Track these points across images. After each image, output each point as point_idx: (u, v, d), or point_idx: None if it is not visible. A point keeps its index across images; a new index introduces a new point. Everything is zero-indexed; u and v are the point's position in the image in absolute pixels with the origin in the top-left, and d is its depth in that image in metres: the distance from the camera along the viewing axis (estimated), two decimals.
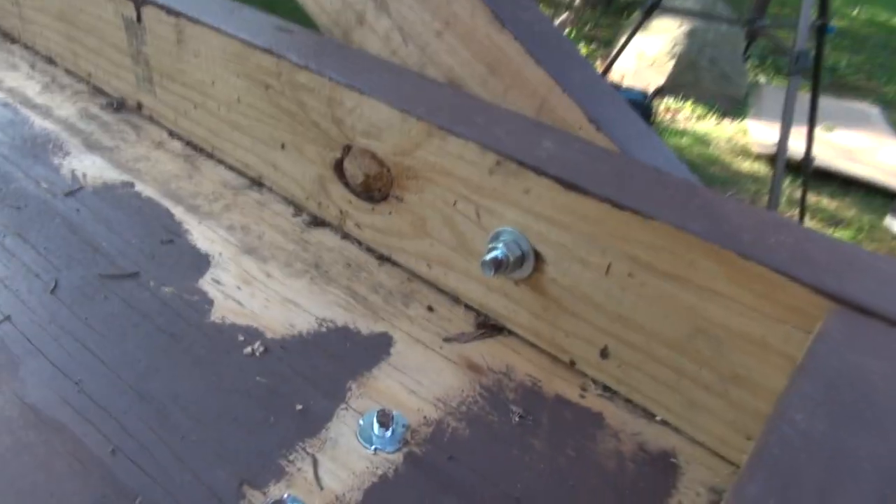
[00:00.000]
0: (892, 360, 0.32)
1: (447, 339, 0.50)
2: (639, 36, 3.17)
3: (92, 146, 0.69)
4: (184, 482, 0.38)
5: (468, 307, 0.52)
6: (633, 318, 0.43)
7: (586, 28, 5.01)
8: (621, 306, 0.44)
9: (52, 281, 0.52)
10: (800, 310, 0.36)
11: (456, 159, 0.48)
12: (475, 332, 0.50)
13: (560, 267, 0.45)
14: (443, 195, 0.50)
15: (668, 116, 3.80)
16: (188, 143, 0.71)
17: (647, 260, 0.41)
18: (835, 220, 2.92)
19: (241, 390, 0.44)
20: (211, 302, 0.51)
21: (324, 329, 0.50)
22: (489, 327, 0.51)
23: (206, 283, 0.53)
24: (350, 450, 0.40)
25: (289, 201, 0.63)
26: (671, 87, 3.96)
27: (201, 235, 0.58)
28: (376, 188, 0.55)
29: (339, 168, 0.57)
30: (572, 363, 0.48)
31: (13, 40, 0.91)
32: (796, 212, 2.68)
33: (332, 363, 0.47)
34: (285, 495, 0.37)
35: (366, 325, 0.50)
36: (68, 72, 0.83)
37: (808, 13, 2.13)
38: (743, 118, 3.80)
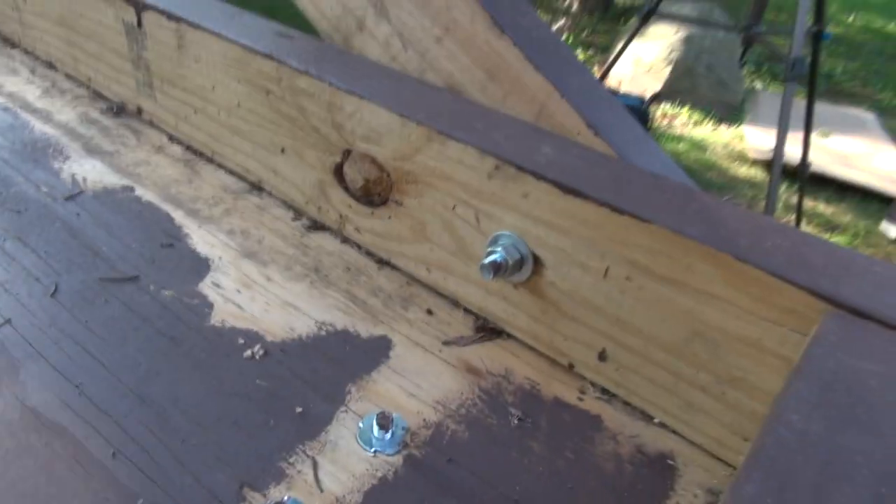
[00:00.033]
0: (887, 362, 0.32)
1: (446, 343, 0.50)
2: (636, 42, 3.19)
3: (92, 151, 0.70)
4: (184, 485, 0.38)
5: (467, 311, 0.53)
6: (631, 321, 0.44)
7: (583, 34, 5.04)
8: (619, 310, 0.44)
9: (52, 285, 0.52)
10: (796, 312, 0.37)
11: (455, 164, 0.48)
12: (474, 335, 0.51)
13: (558, 271, 0.46)
14: (442, 199, 0.50)
15: (665, 122, 3.82)
16: (188, 148, 0.71)
17: (646, 264, 0.42)
18: (831, 226, 2.93)
19: (242, 393, 0.44)
20: (211, 305, 0.51)
21: (323, 332, 0.50)
22: (488, 331, 0.51)
23: (206, 287, 0.53)
24: (350, 452, 0.41)
25: (289, 206, 0.63)
26: (668, 92, 3.98)
27: (201, 239, 0.58)
28: (376, 192, 0.55)
29: (338, 173, 0.57)
30: (571, 366, 0.48)
31: (13, 45, 0.91)
32: (793, 217, 2.69)
33: (332, 366, 0.47)
34: (286, 497, 0.37)
35: (365, 329, 0.50)
36: (68, 76, 0.84)
37: (804, 20, 2.14)
38: (739, 124, 3.82)
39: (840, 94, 4.47)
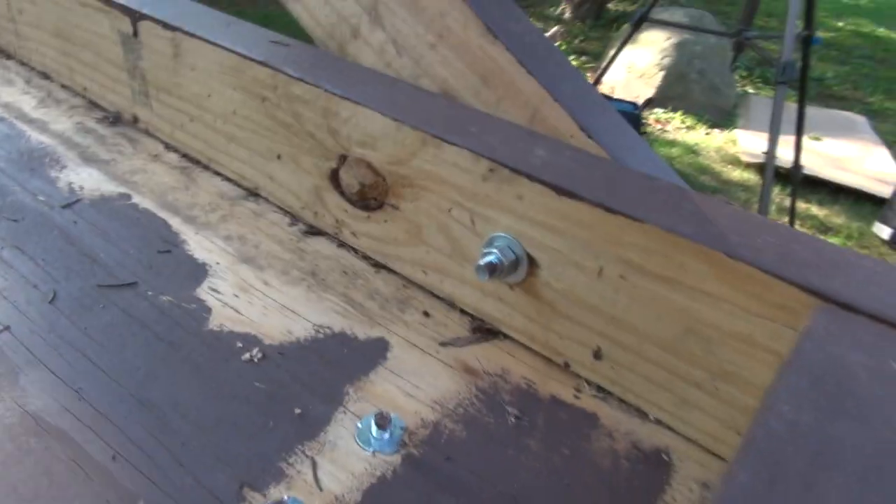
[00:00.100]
0: (874, 354, 0.33)
1: (443, 344, 0.50)
2: (628, 48, 3.21)
3: (88, 159, 0.70)
4: (185, 486, 0.38)
5: (464, 312, 0.53)
6: (626, 319, 0.44)
7: (576, 41, 5.07)
8: (614, 308, 0.45)
9: (50, 292, 0.52)
10: (787, 307, 0.37)
11: (450, 167, 0.49)
12: (471, 336, 0.51)
13: (553, 271, 0.46)
14: (438, 203, 0.51)
15: (659, 127, 3.84)
16: (184, 156, 0.71)
17: (639, 262, 0.42)
18: (824, 228, 2.95)
19: (240, 396, 0.45)
20: (209, 310, 0.52)
21: (321, 335, 0.50)
22: (484, 331, 0.52)
23: (203, 292, 0.53)
24: (349, 452, 0.41)
25: (285, 211, 0.64)
26: (661, 98, 4.00)
27: (198, 245, 0.59)
28: (372, 197, 0.56)
29: (334, 178, 0.58)
30: (566, 365, 0.48)
31: (8, 56, 0.92)
32: (786, 220, 2.71)
33: (330, 368, 0.47)
34: (285, 497, 0.37)
35: (363, 331, 0.51)
36: (64, 87, 0.84)
37: (794, 24, 2.17)
38: (732, 128, 3.84)
39: (831, 98, 4.50)
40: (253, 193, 0.66)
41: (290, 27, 0.70)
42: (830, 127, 3.78)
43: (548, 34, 4.79)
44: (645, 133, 3.65)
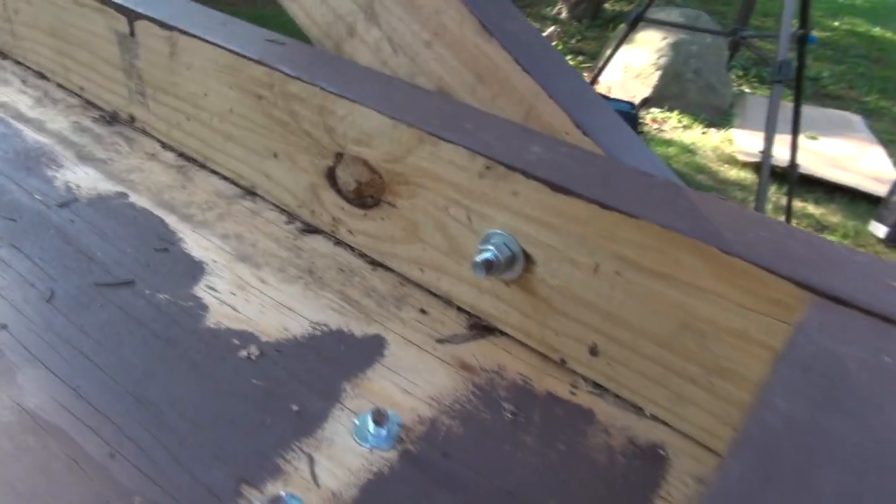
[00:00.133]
0: (867, 347, 0.33)
1: (440, 341, 0.50)
2: (625, 48, 3.22)
3: (85, 158, 0.70)
4: (182, 482, 0.38)
5: (460, 309, 0.53)
6: (621, 315, 0.44)
7: (573, 41, 5.08)
8: (609, 305, 0.45)
9: (47, 290, 0.52)
10: (781, 302, 0.37)
11: (446, 164, 0.49)
12: (467, 333, 0.51)
13: (549, 267, 0.47)
14: (434, 200, 0.51)
15: (655, 127, 3.85)
16: (181, 155, 0.72)
17: (634, 258, 0.43)
18: (820, 226, 2.96)
19: (238, 393, 0.45)
20: (206, 308, 0.52)
21: (318, 332, 0.50)
22: (481, 328, 0.52)
23: (200, 290, 0.53)
24: (346, 448, 0.41)
25: (282, 209, 0.64)
26: (657, 98, 4.01)
27: (195, 244, 0.59)
28: (368, 195, 0.56)
29: (331, 176, 0.58)
30: (563, 361, 0.49)
31: (4, 56, 0.92)
32: (782, 218, 2.71)
33: (327, 365, 0.47)
34: (283, 493, 0.37)
35: (359, 328, 0.51)
36: (60, 86, 0.84)
37: (790, 22, 2.17)
38: (728, 128, 3.85)
39: (827, 98, 4.52)
40: (249, 192, 0.66)
41: (286, 27, 0.70)
42: (826, 126, 3.79)
43: (544, 34, 4.80)
44: (642, 132, 3.65)
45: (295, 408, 0.44)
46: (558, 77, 0.59)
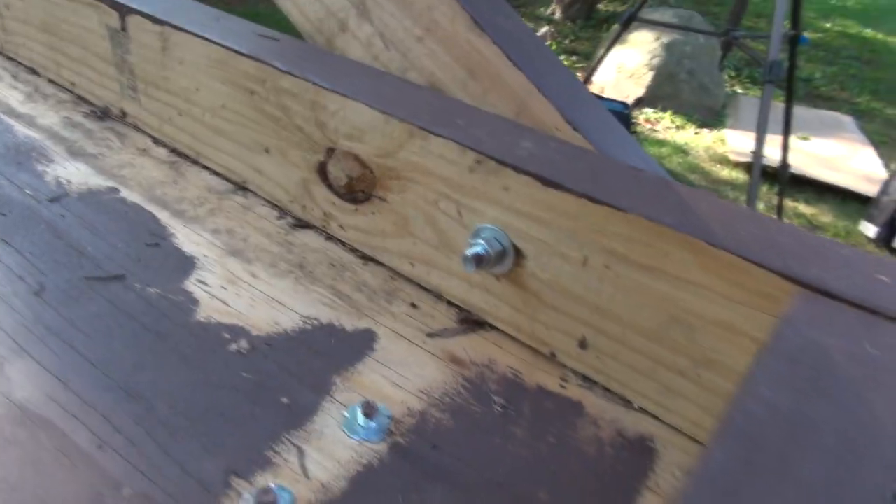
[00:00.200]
0: (851, 338, 0.33)
1: (430, 335, 0.51)
2: (619, 48, 3.23)
3: (76, 153, 0.70)
4: (171, 473, 0.38)
5: (451, 304, 0.54)
6: (611, 309, 0.45)
7: (566, 41, 5.09)
8: (599, 298, 0.45)
9: (37, 284, 0.52)
10: (768, 295, 0.38)
11: (437, 159, 0.49)
12: (458, 327, 0.52)
13: (539, 261, 0.47)
14: (425, 194, 0.51)
15: (648, 127, 3.86)
16: (173, 150, 0.71)
17: (623, 252, 0.43)
18: (811, 226, 2.98)
19: (228, 386, 0.45)
20: (196, 302, 0.52)
21: (309, 326, 0.50)
22: (471, 322, 0.52)
23: (191, 284, 0.53)
24: (335, 441, 0.41)
25: (273, 205, 0.64)
26: (650, 98, 4.02)
27: (186, 239, 0.59)
28: (359, 189, 0.56)
29: (322, 171, 0.58)
30: (552, 355, 0.49)
31: None
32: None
33: (318, 359, 0.47)
34: (272, 484, 0.37)
35: (350, 323, 0.51)
36: (51, 82, 0.84)
37: (781, 22, 2.19)
38: (721, 128, 3.87)
39: (819, 98, 4.54)
40: (241, 187, 0.66)
41: (280, 24, 0.70)
42: (818, 127, 3.81)
43: (538, 34, 4.81)
44: (635, 132, 3.67)
45: (285, 400, 0.44)
46: (550, 74, 0.59)
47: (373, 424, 0.42)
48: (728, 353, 0.40)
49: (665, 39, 4.03)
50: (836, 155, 3.54)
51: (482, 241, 0.47)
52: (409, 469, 0.40)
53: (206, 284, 0.54)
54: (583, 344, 0.47)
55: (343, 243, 0.60)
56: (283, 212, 0.63)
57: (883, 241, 2.84)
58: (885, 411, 0.30)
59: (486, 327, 0.52)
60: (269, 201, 0.64)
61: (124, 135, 0.74)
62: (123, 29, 0.68)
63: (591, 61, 3.91)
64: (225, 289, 0.53)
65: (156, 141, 0.73)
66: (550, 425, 0.44)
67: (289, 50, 0.60)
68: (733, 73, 4.66)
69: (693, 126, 3.88)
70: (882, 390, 0.31)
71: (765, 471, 0.26)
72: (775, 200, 2.81)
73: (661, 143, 3.67)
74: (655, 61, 4.02)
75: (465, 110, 0.53)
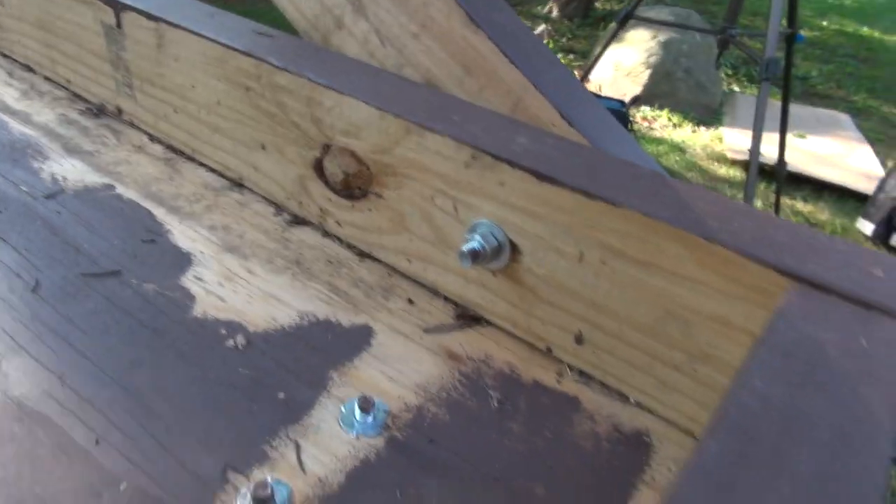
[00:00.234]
0: (845, 332, 0.34)
1: (427, 330, 0.51)
2: (616, 47, 3.23)
3: (72, 150, 0.70)
4: (168, 469, 0.38)
5: (447, 299, 0.54)
6: (606, 304, 0.45)
7: (563, 39, 5.09)
8: (595, 293, 0.45)
9: (33, 280, 0.52)
10: (762, 289, 0.38)
11: (433, 155, 0.49)
12: (454, 322, 0.52)
13: (535, 257, 0.47)
14: (421, 191, 0.51)
15: (646, 125, 3.86)
16: (168, 147, 0.71)
17: (619, 247, 0.43)
18: (809, 224, 2.98)
19: (225, 382, 0.45)
20: (193, 298, 0.52)
21: (305, 322, 0.50)
22: (468, 318, 0.52)
23: (188, 281, 0.53)
24: (332, 435, 0.41)
25: (270, 201, 0.64)
26: (647, 96, 4.02)
27: (183, 235, 0.59)
28: (356, 186, 0.56)
29: (318, 167, 0.58)
30: (549, 350, 0.49)
31: None
32: None
33: (314, 354, 0.47)
34: (269, 479, 0.37)
35: (347, 318, 0.51)
36: (47, 79, 0.84)
37: (778, 20, 2.19)
38: (718, 126, 3.87)
39: (815, 97, 4.55)
40: (237, 184, 0.66)
41: (277, 22, 0.70)
42: (815, 125, 3.82)
43: (535, 32, 4.81)
44: (632, 130, 3.67)
45: (282, 396, 0.44)
46: (547, 71, 0.59)
47: (369, 419, 0.42)
48: (723, 347, 0.40)
49: (662, 37, 4.03)
50: (832, 153, 3.55)
51: (478, 237, 0.47)
52: (405, 463, 0.40)
53: (202, 281, 0.54)
54: (579, 339, 0.47)
55: (340, 240, 0.60)
56: (279, 208, 0.63)
57: (880, 238, 2.84)
58: (879, 405, 0.30)
59: (483, 323, 0.52)
60: (265, 198, 0.64)
61: (120, 132, 0.74)
62: (118, 26, 0.68)
63: (587, 59, 3.91)
64: (222, 285, 0.53)
65: (151, 138, 0.73)
66: (547, 420, 0.44)
67: (285, 47, 0.60)
68: (730, 72, 4.66)
69: (690, 124, 3.88)
70: (876, 384, 0.31)
71: (758, 464, 0.27)
72: (773, 198, 2.81)
73: (659, 141, 3.67)
74: (652, 59, 4.02)
75: (460, 106, 0.53)
